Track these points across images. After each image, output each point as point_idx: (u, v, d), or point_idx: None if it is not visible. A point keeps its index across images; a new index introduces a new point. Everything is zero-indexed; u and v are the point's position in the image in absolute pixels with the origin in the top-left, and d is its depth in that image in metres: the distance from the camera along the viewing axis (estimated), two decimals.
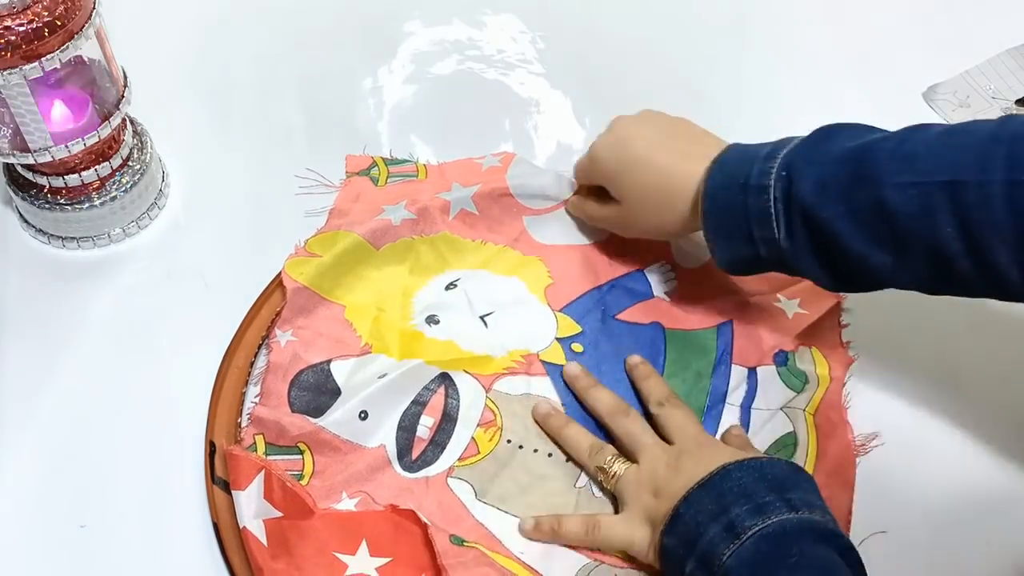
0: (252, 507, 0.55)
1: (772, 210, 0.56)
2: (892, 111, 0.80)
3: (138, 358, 0.63)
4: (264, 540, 0.53)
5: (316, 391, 0.61)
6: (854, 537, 0.56)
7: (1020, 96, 0.82)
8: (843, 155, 0.55)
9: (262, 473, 0.55)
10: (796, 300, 0.67)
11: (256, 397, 0.61)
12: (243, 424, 0.60)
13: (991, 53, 0.85)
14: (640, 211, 0.64)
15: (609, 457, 0.58)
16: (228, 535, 0.55)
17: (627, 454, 0.58)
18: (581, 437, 0.60)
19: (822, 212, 0.54)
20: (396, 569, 0.55)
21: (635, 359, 0.64)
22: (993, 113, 0.80)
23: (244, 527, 0.54)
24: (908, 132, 0.55)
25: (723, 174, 0.59)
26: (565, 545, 0.57)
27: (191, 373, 0.61)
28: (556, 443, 0.61)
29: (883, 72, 0.85)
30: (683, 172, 0.61)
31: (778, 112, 0.81)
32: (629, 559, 0.56)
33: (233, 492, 0.55)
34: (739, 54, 0.86)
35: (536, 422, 0.61)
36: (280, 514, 0.55)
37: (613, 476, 0.57)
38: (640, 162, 0.63)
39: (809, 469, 0.60)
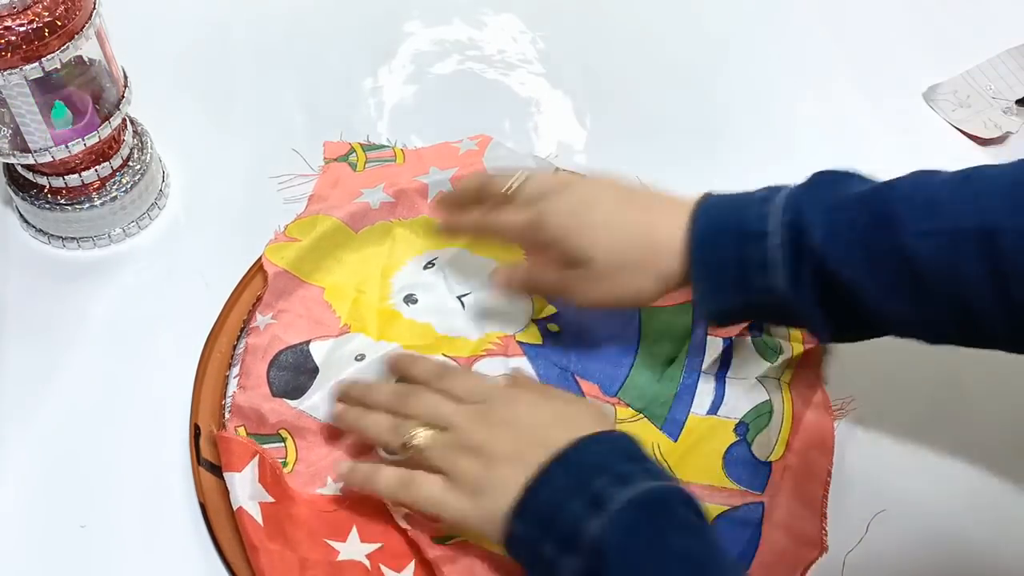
0: (247, 489, 0.55)
1: (777, 257, 0.52)
2: (892, 111, 0.81)
3: (138, 358, 0.63)
4: (260, 520, 0.54)
5: (295, 370, 0.61)
6: (856, 524, 0.58)
7: (1020, 96, 0.82)
8: (856, 200, 0.52)
9: (257, 457, 0.56)
10: None
11: (236, 377, 0.61)
12: (226, 409, 0.60)
13: (991, 53, 0.85)
14: (614, 272, 0.57)
15: (412, 430, 0.53)
16: (216, 516, 0.56)
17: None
18: (381, 420, 0.55)
19: (836, 261, 0.51)
20: (386, 555, 0.55)
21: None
22: (994, 113, 0.80)
23: (239, 507, 0.54)
24: (918, 177, 0.52)
25: (710, 220, 0.55)
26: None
27: (190, 373, 0.61)
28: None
29: (883, 72, 0.85)
30: (663, 224, 0.56)
31: (778, 112, 0.81)
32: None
33: (226, 474, 0.55)
34: (739, 54, 0.86)
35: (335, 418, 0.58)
36: (273, 500, 0.55)
37: (418, 448, 0.53)
38: (611, 220, 0.57)
39: (785, 436, 0.61)
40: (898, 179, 0.53)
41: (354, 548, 0.55)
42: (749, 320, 0.58)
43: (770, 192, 0.55)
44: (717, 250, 0.54)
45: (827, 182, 0.54)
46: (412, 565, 0.55)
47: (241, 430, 0.59)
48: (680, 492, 0.49)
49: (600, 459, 0.49)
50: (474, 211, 0.63)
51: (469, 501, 0.51)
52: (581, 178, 0.62)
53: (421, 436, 0.53)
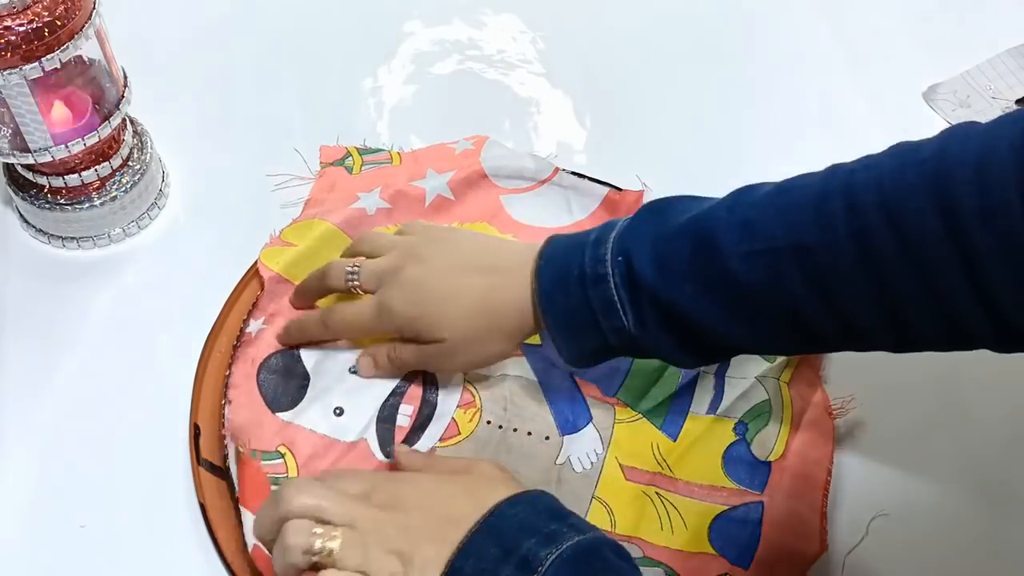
0: None
1: (617, 297, 0.53)
2: (892, 111, 0.81)
3: (138, 358, 0.63)
4: None
5: (285, 375, 0.61)
6: (856, 524, 0.58)
7: (1020, 96, 0.82)
8: (678, 231, 0.52)
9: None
10: None
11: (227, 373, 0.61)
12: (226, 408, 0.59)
13: (991, 53, 0.85)
14: (468, 343, 0.58)
15: (318, 538, 0.46)
16: (216, 516, 0.56)
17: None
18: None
19: (669, 293, 0.51)
20: None
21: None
22: (993, 113, 0.80)
23: (255, 545, 0.53)
24: (736, 196, 0.52)
25: (553, 269, 0.55)
26: None
27: (190, 373, 0.61)
28: (534, 421, 0.61)
29: (883, 72, 0.85)
30: (506, 285, 0.56)
31: (778, 112, 0.81)
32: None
33: (241, 508, 0.55)
34: (739, 54, 0.86)
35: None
36: None
37: (328, 552, 0.45)
38: (452, 293, 0.57)
39: (784, 436, 0.61)
40: (719, 201, 0.53)
41: None
42: (614, 357, 0.57)
43: (603, 231, 0.55)
44: (565, 300, 0.54)
45: (653, 213, 0.54)
46: None
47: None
48: (607, 540, 0.48)
49: (522, 522, 0.47)
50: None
51: None
52: (415, 244, 0.59)
53: (330, 540, 0.46)
